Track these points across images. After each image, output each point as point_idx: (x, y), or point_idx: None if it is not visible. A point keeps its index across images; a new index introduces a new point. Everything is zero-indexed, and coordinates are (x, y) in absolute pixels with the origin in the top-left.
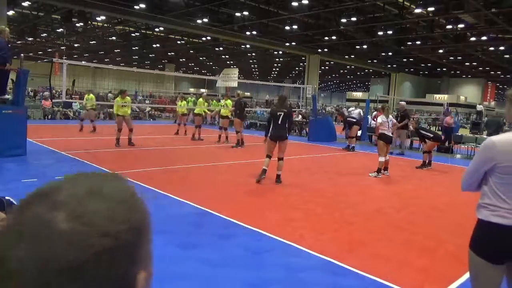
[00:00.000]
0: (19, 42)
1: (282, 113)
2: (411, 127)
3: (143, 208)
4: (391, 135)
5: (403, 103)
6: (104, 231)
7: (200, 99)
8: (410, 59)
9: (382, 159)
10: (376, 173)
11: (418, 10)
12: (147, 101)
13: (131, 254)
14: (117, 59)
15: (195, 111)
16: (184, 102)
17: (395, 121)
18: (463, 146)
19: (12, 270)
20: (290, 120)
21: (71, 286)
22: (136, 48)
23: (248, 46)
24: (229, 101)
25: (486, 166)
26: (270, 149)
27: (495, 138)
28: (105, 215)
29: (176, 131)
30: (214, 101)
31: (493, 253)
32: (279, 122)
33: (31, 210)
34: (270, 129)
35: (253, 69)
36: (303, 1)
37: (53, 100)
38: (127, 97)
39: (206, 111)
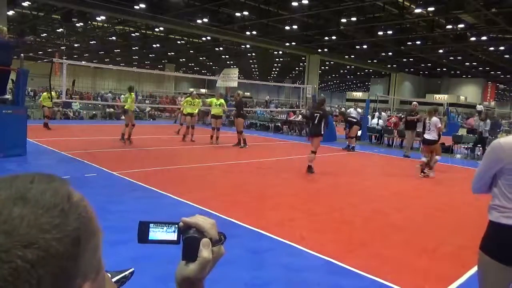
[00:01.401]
0: None
1: (318, 114)
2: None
3: (82, 213)
4: (427, 138)
5: (415, 103)
6: (28, 242)
7: (188, 98)
8: (410, 59)
9: (423, 159)
10: (422, 173)
11: (418, 10)
12: (147, 101)
13: (67, 267)
14: (117, 59)
15: (186, 111)
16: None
17: (439, 125)
18: (462, 146)
19: None
20: (326, 121)
21: None
22: (136, 48)
23: (248, 46)
24: (221, 101)
25: (494, 168)
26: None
27: (502, 140)
28: (29, 223)
29: (177, 130)
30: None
31: (503, 254)
32: (315, 121)
33: None
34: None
35: (253, 69)
36: (303, 1)
37: (53, 100)
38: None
39: (192, 110)
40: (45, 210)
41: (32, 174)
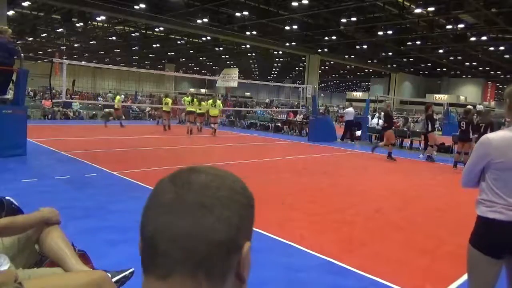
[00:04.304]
0: (19, 42)
1: (484, 125)
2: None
3: (250, 193)
4: (465, 136)
5: (470, 106)
6: (246, 194)
7: (188, 98)
8: (410, 59)
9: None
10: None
11: (418, 10)
12: (147, 101)
13: (250, 218)
14: (117, 59)
15: (188, 109)
16: (196, 102)
17: None
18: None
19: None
20: (491, 128)
21: (225, 214)
22: (136, 48)
23: (248, 46)
24: (218, 102)
25: (482, 163)
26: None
27: (490, 135)
28: (241, 186)
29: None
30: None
31: (491, 248)
32: (482, 130)
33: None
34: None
35: (253, 69)
36: (303, 1)
37: (53, 100)
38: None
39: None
40: (242, 183)
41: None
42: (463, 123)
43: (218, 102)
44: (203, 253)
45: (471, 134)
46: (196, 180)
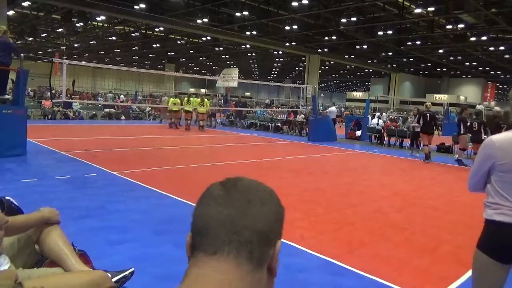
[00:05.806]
0: (19, 42)
1: (505, 126)
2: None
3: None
4: (478, 137)
5: (497, 108)
6: (277, 198)
7: (185, 98)
8: (410, 59)
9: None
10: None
11: (418, 10)
12: (147, 101)
13: (283, 220)
14: (117, 59)
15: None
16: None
17: None
18: None
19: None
20: (500, 130)
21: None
22: (136, 48)
23: (248, 46)
24: (206, 101)
25: (487, 165)
26: None
27: (494, 137)
28: (272, 191)
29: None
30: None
31: (499, 252)
32: (503, 130)
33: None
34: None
35: (253, 69)
36: (303, 1)
37: (53, 100)
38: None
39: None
40: (271, 193)
41: (252, 180)
42: (475, 124)
43: (206, 101)
44: (245, 238)
45: (482, 135)
46: (241, 184)
